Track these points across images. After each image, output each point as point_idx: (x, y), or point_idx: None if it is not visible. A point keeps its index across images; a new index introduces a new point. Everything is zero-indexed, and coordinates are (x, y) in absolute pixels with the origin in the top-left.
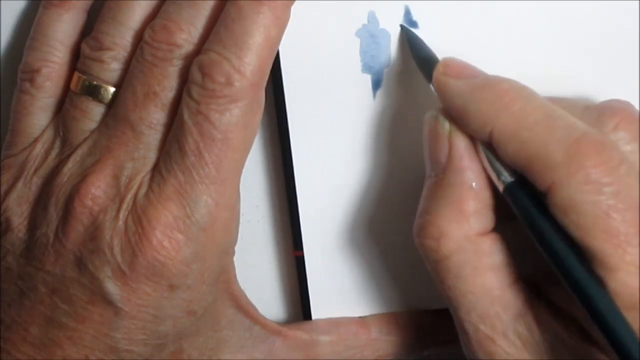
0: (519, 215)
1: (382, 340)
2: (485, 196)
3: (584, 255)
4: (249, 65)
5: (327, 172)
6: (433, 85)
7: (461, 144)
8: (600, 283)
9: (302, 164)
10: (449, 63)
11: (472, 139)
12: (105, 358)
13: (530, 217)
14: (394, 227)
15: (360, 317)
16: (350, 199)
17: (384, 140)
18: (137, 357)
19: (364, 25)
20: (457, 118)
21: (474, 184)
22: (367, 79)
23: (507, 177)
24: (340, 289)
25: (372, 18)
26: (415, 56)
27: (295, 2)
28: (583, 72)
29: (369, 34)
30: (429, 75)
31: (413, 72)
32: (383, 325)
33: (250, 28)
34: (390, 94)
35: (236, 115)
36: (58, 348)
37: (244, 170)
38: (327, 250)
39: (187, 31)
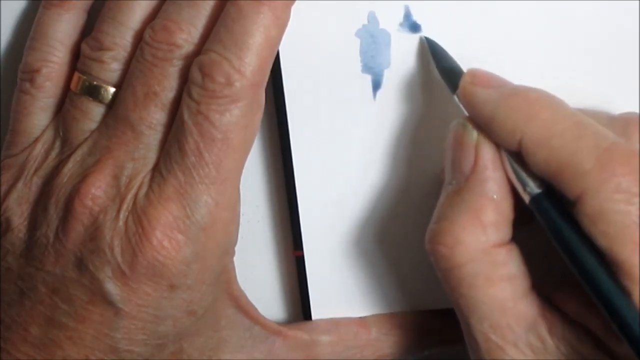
0: (545, 225)
1: (382, 341)
2: (505, 208)
3: (609, 265)
4: (249, 66)
5: (327, 172)
6: (458, 95)
7: (487, 154)
8: (626, 293)
9: (302, 164)
10: (476, 73)
11: (498, 149)
12: (106, 358)
13: (557, 228)
14: (394, 227)
15: (360, 317)
16: (350, 199)
17: (383, 140)
18: (137, 357)
19: (364, 25)
20: (485, 126)
21: (495, 195)
22: (367, 79)
23: (534, 188)
24: (340, 289)
25: (372, 18)
26: (439, 67)
27: (295, 2)
28: (583, 72)
29: (369, 34)
30: (453, 86)
31: (413, 72)
32: (383, 325)
33: (251, 28)
34: (390, 94)
35: (236, 115)
36: (58, 348)
37: (244, 170)
38: (327, 250)
39: (187, 31)
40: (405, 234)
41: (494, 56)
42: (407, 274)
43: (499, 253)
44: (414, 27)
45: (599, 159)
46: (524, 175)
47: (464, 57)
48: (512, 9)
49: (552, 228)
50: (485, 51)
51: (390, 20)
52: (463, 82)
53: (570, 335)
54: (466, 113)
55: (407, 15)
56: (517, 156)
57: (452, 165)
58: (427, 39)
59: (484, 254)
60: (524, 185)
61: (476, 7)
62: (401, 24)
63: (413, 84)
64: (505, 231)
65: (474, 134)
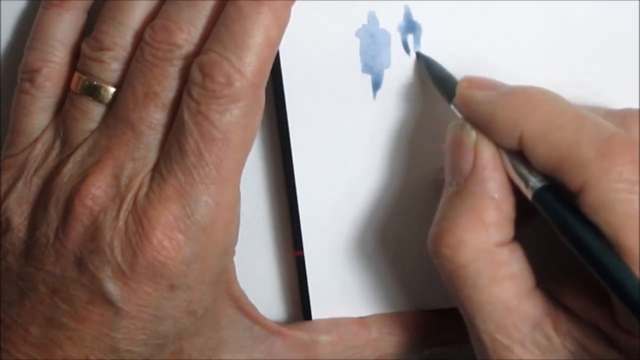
0: (549, 218)
1: (382, 340)
2: (507, 208)
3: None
4: (249, 66)
5: (327, 172)
6: (455, 102)
7: (486, 153)
8: None
9: (302, 164)
10: (472, 78)
11: (497, 149)
12: (106, 358)
13: (562, 219)
14: (394, 227)
15: (360, 317)
16: (350, 199)
17: (383, 140)
18: (137, 357)
19: (364, 25)
20: (484, 126)
21: (496, 195)
22: (367, 79)
23: (536, 183)
24: (340, 289)
25: (372, 18)
26: (434, 78)
27: (295, 2)
28: (583, 72)
29: (369, 34)
30: (449, 95)
31: (413, 72)
32: (383, 325)
33: (251, 28)
34: (390, 94)
35: (236, 115)
36: (58, 348)
37: (244, 170)
38: (327, 250)
39: (187, 31)
40: (405, 233)
41: (494, 56)
42: (407, 274)
43: (502, 252)
44: (415, 27)
45: (600, 149)
46: (524, 171)
47: (464, 57)
48: (512, 9)
49: (557, 220)
50: (486, 51)
51: (390, 20)
52: (460, 88)
53: (577, 331)
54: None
55: (407, 15)
56: (517, 154)
57: (451, 166)
58: (419, 54)
59: (487, 254)
60: (525, 181)
61: (476, 7)
62: (401, 24)
63: (413, 84)
64: (507, 230)
65: (473, 134)
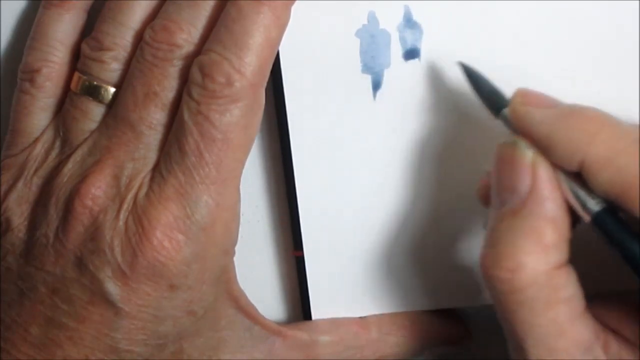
0: (609, 243)
1: (382, 341)
2: (564, 228)
3: None
4: (249, 66)
5: (327, 172)
6: (503, 116)
7: (545, 173)
8: None
9: (302, 164)
10: (526, 92)
11: (555, 169)
12: (106, 358)
13: (623, 244)
14: (394, 227)
15: (360, 317)
16: (350, 199)
17: (383, 140)
18: (138, 357)
19: (364, 26)
20: (542, 147)
21: (554, 215)
22: (367, 80)
23: (595, 206)
24: (340, 289)
25: (372, 18)
26: (478, 92)
27: (295, 2)
28: (583, 72)
29: (369, 34)
30: (496, 109)
31: (414, 72)
32: (383, 325)
33: (251, 28)
34: (390, 94)
35: (236, 115)
36: (58, 348)
37: (244, 170)
38: (327, 250)
39: (187, 31)
40: (405, 233)
41: (494, 56)
42: (407, 274)
43: (559, 275)
44: (415, 27)
45: None
46: (582, 193)
47: (465, 58)
48: (513, 9)
49: (617, 244)
50: (486, 51)
51: (390, 20)
52: (514, 104)
53: (627, 355)
54: (512, 134)
55: (407, 15)
56: (573, 175)
57: (504, 186)
58: (463, 65)
59: (546, 277)
60: (582, 203)
61: (476, 7)
62: (401, 24)
63: (413, 85)
64: (565, 251)
65: (530, 154)
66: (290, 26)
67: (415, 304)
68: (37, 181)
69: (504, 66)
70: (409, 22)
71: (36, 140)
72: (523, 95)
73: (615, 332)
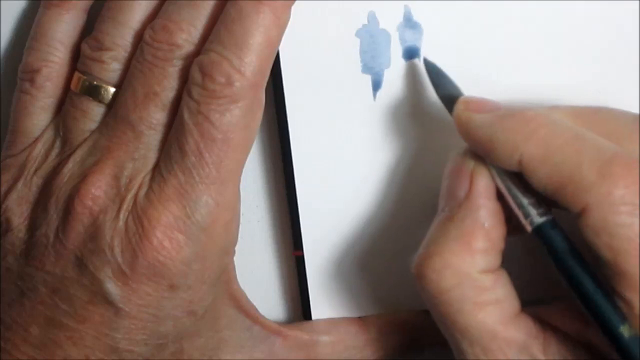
0: (548, 255)
1: (382, 341)
2: (496, 237)
3: (613, 277)
4: (249, 66)
5: (327, 172)
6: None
7: (482, 182)
8: (629, 305)
9: (302, 164)
10: (469, 100)
11: (495, 178)
12: (106, 358)
13: (561, 260)
14: (393, 227)
15: (360, 317)
16: (350, 199)
17: (383, 140)
18: (138, 357)
19: (364, 25)
20: (483, 150)
21: (486, 223)
22: (367, 80)
23: (537, 217)
24: (340, 289)
25: (372, 18)
26: (438, 93)
27: (295, 2)
28: (583, 72)
29: (369, 34)
30: (452, 110)
31: (414, 74)
32: (383, 325)
33: (251, 28)
34: (391, 94)
35: (236, 115)
36: (58, 348)
37: (244, 170)
38: (327, 250)
39: (187, 31)
40: (405, 233)
41: (493, 56)
42: (407, 274)
43: (486, 279)
44: (414, 27)
45: (601, 171)
46: (526, 202)
47: (464, 58)
48: (513, 9)
49: (556, 258)
50: (486, 51)
51: (390, 20)
52: (456, 111)
53: (567, 353)
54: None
55: (407, 15)
56: (517, 177)
57: (447, 192)
58: (427, 60)
59: (470, 279)
60: (525, 214)
61: (476, 7)
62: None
63: (413, 85)
64: (494, 259)
65: (471, 163)
66: (290, 26)
67: (415, 304)
68: (37, 181)
69: (503, 66)
70: (409, 22)
71: (36, 140)
72: (465, 102)
73: (558, 330)
